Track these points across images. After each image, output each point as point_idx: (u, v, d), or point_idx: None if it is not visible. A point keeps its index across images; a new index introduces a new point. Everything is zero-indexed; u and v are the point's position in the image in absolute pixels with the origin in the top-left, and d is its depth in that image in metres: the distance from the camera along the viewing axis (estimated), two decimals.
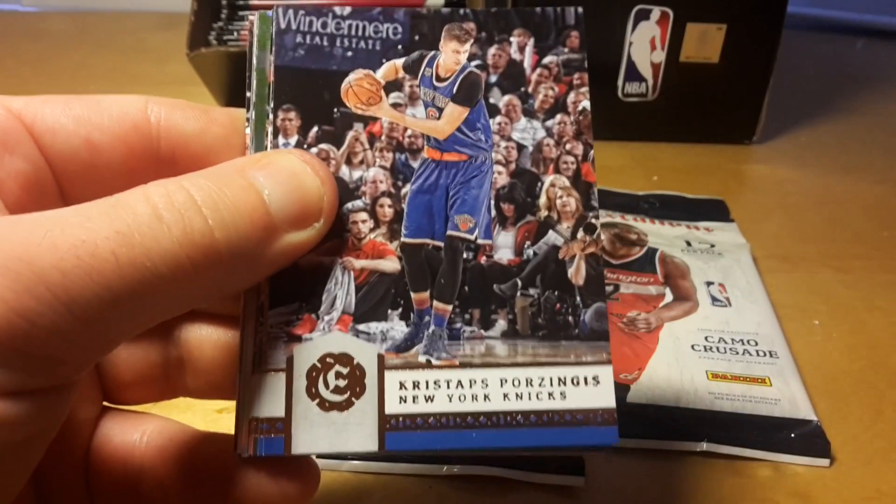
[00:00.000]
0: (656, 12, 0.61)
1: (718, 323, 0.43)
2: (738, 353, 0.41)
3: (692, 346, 0.41)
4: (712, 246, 0.50)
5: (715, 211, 0.55)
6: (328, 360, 0.23)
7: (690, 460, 0.37)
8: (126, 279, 0.19)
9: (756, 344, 0.42)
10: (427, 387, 0.23)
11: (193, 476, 0.26)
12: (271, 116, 0.25)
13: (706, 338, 0.42)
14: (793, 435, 0.37)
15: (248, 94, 0.25)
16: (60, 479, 0.26)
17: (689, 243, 0.50)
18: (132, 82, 0.66)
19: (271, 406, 0.23)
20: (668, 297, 0.45)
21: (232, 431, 0.23)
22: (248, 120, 0.25)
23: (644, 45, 0.63)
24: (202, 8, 0.62)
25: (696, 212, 0.55)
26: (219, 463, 0.25)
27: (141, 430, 0.26)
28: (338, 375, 0.23)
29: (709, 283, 0.46)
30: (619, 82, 0.63)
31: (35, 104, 0.23)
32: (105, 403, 0.27)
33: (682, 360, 0.40)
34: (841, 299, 0.48)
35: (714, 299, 0.45)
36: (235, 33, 0.63)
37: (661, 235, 0.51)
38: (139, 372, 0.27)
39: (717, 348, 0.41)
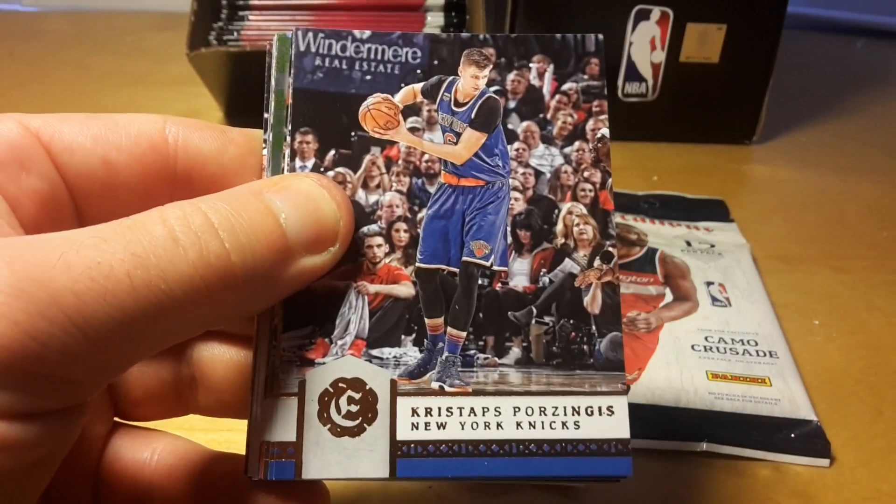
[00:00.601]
0: (656, 12, 0.61)
1: (718, 323, 0.43)
2: (738, 353, 0.41)
3: (692, 347, 0.41)
4: (712, 246, 0.50)
5: (715, 211, 0.55)
6: (340, 385, 0.23)
7: (690, 460, 0.37)
8: (141, 301, 0.18)
9: (756, 344, 0.42)
10: (439, 413, 0.23)
11: (203, 496, 0.26)
12: (289, 139, 0.25)
13: (706, 338, 0.42)
14: (793, 435, 0.37)
15: (265, 115, 0.25)
16: (71, 496, 0.26)
17: (689, 243, 0.50)
18: (132, 82, 0.66)
19: (283, 430, 0.23)
20: (668, 297, 0.45)
21: (237, 450, 0.23)
22: (265, 142, 0.25)
23: (644, 45, 0.63)
24: (202, 8, 0.62)
25: (696, 212, 0.55)
26: (229, 484, 0.25)
27: (151, 448, 0.26)
28: (350, 401, 0.23)
29: (709, 284, 0.46)
30: (619, 82, 0.63)
31: (53, 122, 0.23)
32: (116, 419, 0.27)
33: (682, 361, 0.40)
34: (841, 299, 0.48)
35: (714, 299, 0.45)
36: (235, 33, 0.63)
37: (661, 235, 0.51)
38: (151, 389, 0.27)
39: (717, 348, 0.41)
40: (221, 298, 0.20)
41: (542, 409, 0.23)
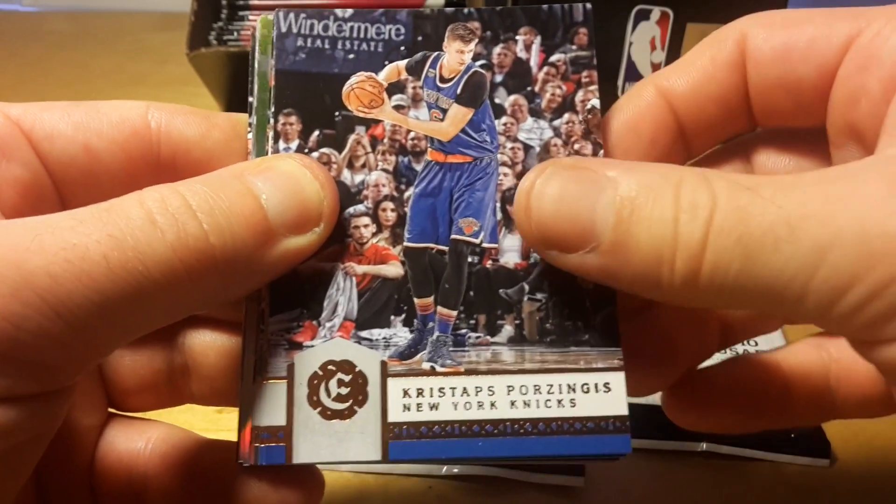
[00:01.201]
0: (656, 12, 0.61)
1: None
2: (738, 353, 0.41)
3: None
4: None
5: None
6: (330, 367, 0.23)
7: (690, 460, 0.37)
8: (118, 283, 0.18)
9: (756, 344, 0.42)
10: (431, 394, 0.23)
11: (196, 484, 0.26)
12: (272, 121, 0.25)
13: None
14: (793, 435, 0.37)
15: (249, 98, 0.25)
16: (65, 486, 0.26)
17: None
18: (132, 82, 0.66)
19: (272, 415, 0.23)
20: None
21: (233, 437, 0.23)
22: (250, 125, 0.25)
23: (644, 45, 0.63)
24: (202, 8, 0.62)
25: None
26: (221, 471, 0.25)
27: (146, 438, 0.26)
28: (340, 383, 0.23)
29: None
30: (619, 82, 0.63)
31: (33, 110, 0.23)
32: (111, 410, 0.27)
33: None
34: None
35: None
36: (235, 33, 0.63)
37: None
38: (143, 378, 0.27)
39: None
40: (201, 281, 0.20)
41: (537, 388, 0.23)
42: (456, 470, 0.36)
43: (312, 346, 0.23)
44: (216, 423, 0.29)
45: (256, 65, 0.25)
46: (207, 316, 0.27)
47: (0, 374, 0.18)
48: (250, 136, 0.25)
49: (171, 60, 0.70)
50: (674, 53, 0.62)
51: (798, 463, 0.37)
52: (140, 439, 0.26)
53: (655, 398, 0.38)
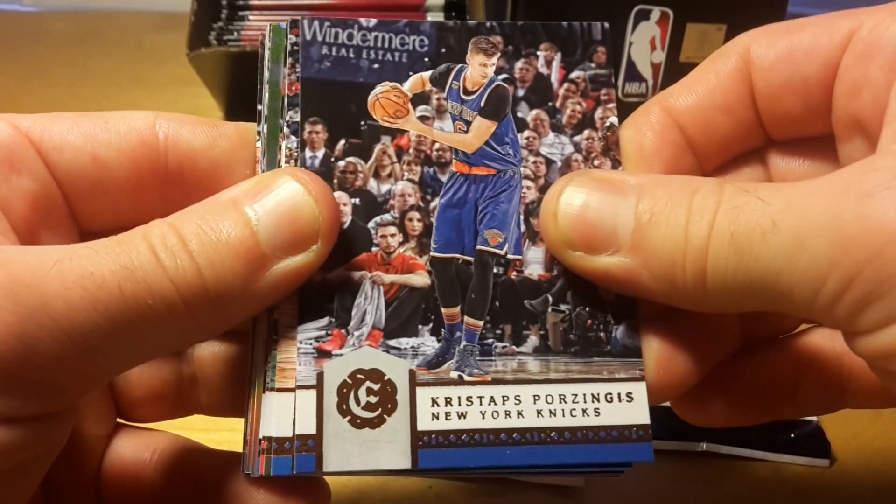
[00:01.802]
0: (656, 12, 0.61)
1: None
2: None
3: None
4: None
5: None
6: (359, 376, 0.23)
7: (690, 461, 0.37)
8: (128, 313, 0.19)
9: None
10: (459, 403, 0.23)
11: (202, 495, 0.26)
12: (286, 130, 0.24)
13: None
14: (793, 435, 0.37)
15: (259, 107, 0.25)
16: (72, 495, 0.26)
17: None
18: (132, 82, 0.66)
19: (302, 423, 0.22)
20: None
21: (233, 436, 0.23)
22: (258, 133, 0.25)
23: (644, 45, 0.63)
24: (202, 8, 0.62)
25: None
26: (227, 482, 0.25)
27: (152, 448, 0.27)
28: (369, 392, 0.23)
29: None
30: (619, 82, 0.63)
31: (42, 122, 0.23)
32: (119, 420, 0.27)
33: None
34: None
35: None
36: (235, 33, 0.63)
37: None
38: (152, 389, 0.27)
39: None
40: (199, 314, 0.20)
41: (562, 397, 0.23)
42: None
43: (341, 354, 0.23)
44: (216, 423, 0.29)
45: (267, 73, 0.25)
46: (210, 339, 0.27)
47: (9, 394, 0.18)
48: (259, 144, 0.25)
49: (171, 61, 0.70)
50: (674, 53, 0.63)
51: (798, 463, 0.37)
52: (147, 449, 0.27)
53: None
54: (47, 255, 0.19)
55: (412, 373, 0.23)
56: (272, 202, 0.22)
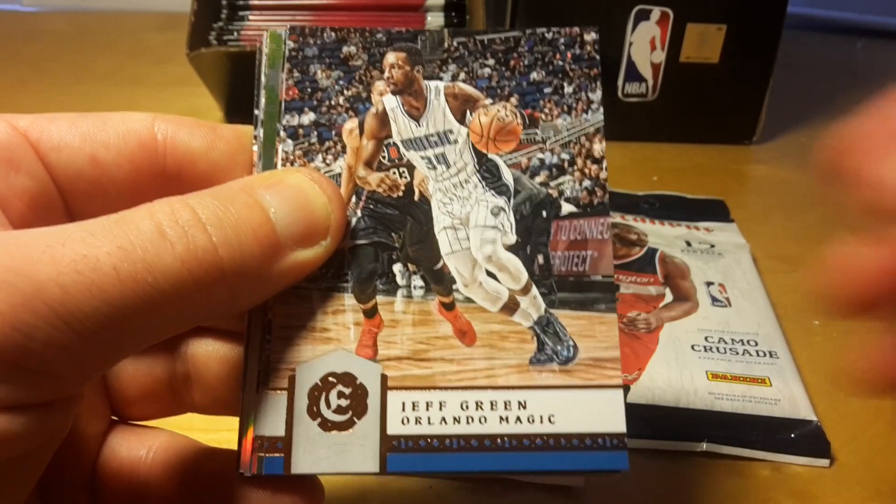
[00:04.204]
0: (656, 12, 0.61)
1: (718, 323, 0.43)
2: (738, 353, 0.41)
3: (692, 347, 0.41)
4: (712, 246, 0.50)
5: (715, 211, 0.55)
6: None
7: (690, 461, 0.37)
8: (127, 295, 0.19)
9: (756, 344, 0.42)
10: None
11: (196, 492, 0.26)
12: (282, 134, 0.25)
13: (706, 338, 0.42)
14: (793, 435, 0.37)
15: (255, 111, 0.25)
16: (67, 493, 0.26)
17: (688, 243, 0.50)
18: (132, 83, 0.66)
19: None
20: (668, 297, 0.45)
21: (232, 436, 0.23)
22: (255, 137, 0.25)
23: (644, 45, 0.63)
24: (202, 8, 0.62)
25: (695, 212, 0.55)
26: (221, 480, 0.25)
27: (147, 446, 0.27)
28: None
29: (709, 284, 0.46)
30: (619, 82, 0.63)
31: (41, 122, 0.23)
32: (114, 418, 0.27)
33: (682, 361, 0.40)
34: None
35: (714, 299, 0.45)
36: (235, 33, 0.63)
37: (661, 235, 0.51)
38: (145, 387, 0.27)
39: (717, 348, 0.41)
40: (209, 292, 0.20)
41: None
42: None
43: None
44: (216, 423, 0.29)
45: (264, 78, 0.25)
46: (210, 325, 0.27)
47: (10, 383, 0.18)
48: (255, 148, 0.25)
49: (171, 60, 0.70)
50: (674, 53, 0.63)
51: (798, 463, 0.37)
52: (142, 447, 0.27)
53: (655, 398, 0.38)
54: (40, 238, 0.19)
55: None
56: (289, 193, 0.22)
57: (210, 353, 0.27)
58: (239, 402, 0.23)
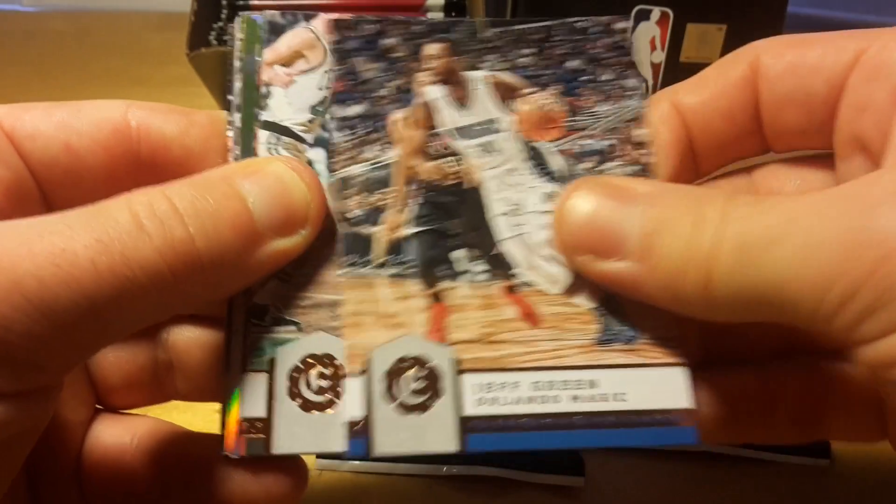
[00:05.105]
0: (656, 13, 0.61)
1: None
2: None
3: None
4: None
5: None
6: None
7: (690, 460, 0.37)
8: (105, 287, 0.19)
9: None
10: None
11: (182, 477, 0.26)
12: (262, 117, 0.25)
13: None
14: None
15: (229, 97, 0.25)
16: (54, 481, 0.26)
17: None
18: (132, 83, 0.66)
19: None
20: None
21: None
22: (230, 123, 0.25)
23: (644, 45, 0.63)
24: (202, 8, 0.62)
25: None
26: (206, 463, 0.25)
27: (132, 433, 0.27)
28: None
29: None
30: None
31: (15, 111, 0.23)
32: (99, 407, 0.28)
33: None
34: None
35: None
36: None
37: None
38: (127, 375, 0.27)
39: None
40: (187, 283, 0.20)
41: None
42: (455, 470, 0.36)
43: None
44: (216, 423, 0.29)
45: (239, 63, 0.25)
46: (189, 313, 0.27)
47: None
48: (230, 134, 0.25)
49: (171, 61, 0.70)
50: (674, 53, 0.63)
51: (798, 463, 0.37)
52: (126, 434, 0.27)
53: None
54: (18, 231, 0.19)
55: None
56: (267, 182, 0.22)
57: (191, 340, 0.27)
58: (221, 386, 0.24)
